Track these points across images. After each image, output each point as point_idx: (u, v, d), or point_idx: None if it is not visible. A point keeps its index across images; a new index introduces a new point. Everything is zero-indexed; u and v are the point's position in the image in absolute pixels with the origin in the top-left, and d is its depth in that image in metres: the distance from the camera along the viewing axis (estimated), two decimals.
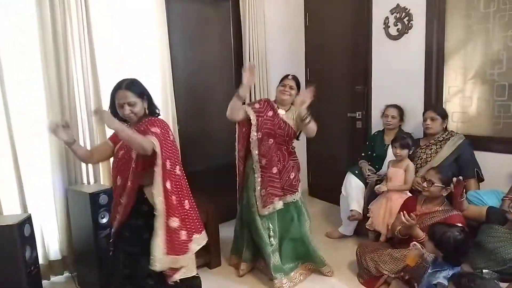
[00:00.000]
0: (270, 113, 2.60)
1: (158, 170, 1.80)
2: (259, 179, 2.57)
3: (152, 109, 2.01)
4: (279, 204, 2.57)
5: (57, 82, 2.58)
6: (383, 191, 2.78)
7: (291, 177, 2.64)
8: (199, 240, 2.02)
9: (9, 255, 2.03)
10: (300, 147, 4.23)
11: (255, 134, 2.56)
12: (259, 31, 3.62)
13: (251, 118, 2.56)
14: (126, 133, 1.75)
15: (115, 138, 2.02)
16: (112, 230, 2.02)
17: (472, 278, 1.67)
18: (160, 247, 1.81)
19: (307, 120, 2.44)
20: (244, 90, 2.41)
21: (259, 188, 2.57)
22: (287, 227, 2.66)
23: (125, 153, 1.94)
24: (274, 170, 2.56)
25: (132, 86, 1.93)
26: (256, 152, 2.57)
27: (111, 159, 2.09)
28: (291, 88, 2.64)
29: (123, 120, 1.94)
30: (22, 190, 2.50)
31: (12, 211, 2.47)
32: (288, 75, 2.70)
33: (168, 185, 1.84)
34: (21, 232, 2.06)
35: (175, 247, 1.86)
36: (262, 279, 2.66)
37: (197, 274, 2.08)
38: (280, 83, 2.69)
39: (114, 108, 1.94)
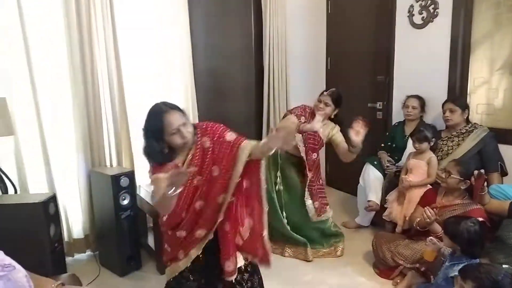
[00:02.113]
0: None
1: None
2: (307, 193, 2.72)
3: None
4: (330, 213, 2.83)
5: (81, 66, 2.65)
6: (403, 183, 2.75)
7: None
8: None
9: (35, 231, 2.12)
10: None
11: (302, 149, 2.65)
12: (280, 18, 3.60)
13: (297, 142, 2.63)
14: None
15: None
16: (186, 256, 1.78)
17: (480, 266, 1.69)
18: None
19: (356, 151, 2.46)
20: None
21: (310, 201, 2.72)
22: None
23: (203, 177, 1.70)
24: (321, 181, 2.78)
25: (174, 105, 1.66)
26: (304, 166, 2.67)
27: None
28: (326, 104, 2.65)
29: (167, 156, 1.65)
30: (50, 171, 2.60)
31: (37, 191, 2.57)
32: (328, 90, 2.71)
33: None
34: (46, 210, 2.14)
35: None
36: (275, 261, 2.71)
37: None
38: (319, 96, 2.72)
39: (158, 141, 1.61)
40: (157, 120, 1.60)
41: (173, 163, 1.66)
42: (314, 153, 2.72)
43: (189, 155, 1.71)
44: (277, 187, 2.75)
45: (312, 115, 2.67)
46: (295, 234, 2.77)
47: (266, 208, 1.78)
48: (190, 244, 1.79)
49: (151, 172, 1.68)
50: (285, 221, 2.76)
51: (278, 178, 2.75)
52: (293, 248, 2.81)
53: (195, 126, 1.74)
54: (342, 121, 2.77)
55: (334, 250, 2.83)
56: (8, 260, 1.24)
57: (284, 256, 2.81)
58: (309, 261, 2.74)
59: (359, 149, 2.43)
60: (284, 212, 2.76)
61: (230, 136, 1.72)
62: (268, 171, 2.74)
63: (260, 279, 2.00)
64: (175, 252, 1.83)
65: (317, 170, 2.80)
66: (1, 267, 1.20)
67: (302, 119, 2.64)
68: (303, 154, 2.68)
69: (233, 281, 1.83)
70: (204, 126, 1.74)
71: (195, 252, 1.79)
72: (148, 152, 1.66)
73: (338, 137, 2.69)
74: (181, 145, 1.65)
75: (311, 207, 2.72)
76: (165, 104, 1.66)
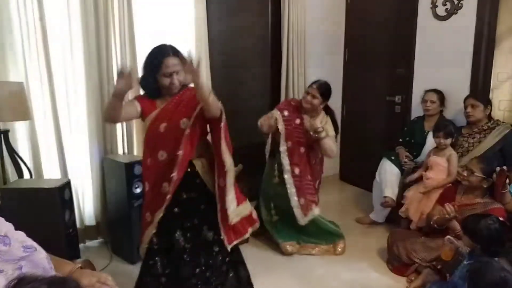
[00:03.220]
0: (298, 121, 2.60)
1: (223, 127, 1.80)
2: (293, 190, 2.59)
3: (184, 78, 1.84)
4: (317, 211, 2.67)
5: (96, 54, 2.63)
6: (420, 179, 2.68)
7: (318, 183, 2.77)
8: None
9: (50, 216, 2.13)
10: None
11: (284, 143, 2.57)
12: (298, 8, 3.53)
13: (279, 127, 2.58)
14: (209, 92, 1.67)
15: (147, 107, 1.83)
16: (153, 218, 1.87)
17: (484, 261, 1.68)
18: (234, 199, 1.87)
19: (320, 135, 2.39)
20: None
21: (295, 198, 2.59)
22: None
23: (171, 125, 1.79)
24: (309, 176, 2.63)
25: (178, 51, 1.79)
26: (287, 162, 2.58)
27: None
28: (313, 97, 2.55)
29: (156, 92, 1.83)
30: (63, 157, 2.60)
31: (51, 176, 2.59)
32: (316, 82, 2.61)
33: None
34: (61, 196, 2.16)
35: (240, 196, 1.94)
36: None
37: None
38: (307, 87, 2.67)
39: (151, 76, 1.78)
40: (157, 59, 1.76)
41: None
42: (302, 147, 2.59)
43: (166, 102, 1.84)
44: (275, 179, 2.71)
45: (296, 108, 2.62)
46: (268, 227, 2.79)
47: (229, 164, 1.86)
48: (158, 201, 1.85)
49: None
50: (273, 211, 2.77)
51: (276, 171, 2.70)
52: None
53: (189, 88, 1.87)
54: (333, 113, 2.71)
55: (333, 247, 2.76)
56: (30, 241, 1.24)
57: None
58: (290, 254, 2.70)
59: (320, 131, 2.40)
60: (272, 203, 2.77)
61: None
62: (270, 164, 2.78)
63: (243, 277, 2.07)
64: (155, 208, 1.87)
65: (307, 164, 2.64)
66: (24, 248, 1.20)
67: (285, 112, 2.60)
68: (282, 141, 2.58)
69: (211, 271, 1.93)
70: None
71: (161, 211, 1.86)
72: (143, 83, 1.85)
73: (327, 130, 2.57)
74: (166, 88, 1.80)
75: (295, 204, 2.59)
76: (171, 47, 1.80)
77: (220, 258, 1.97)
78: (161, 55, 1.75)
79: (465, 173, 2.27)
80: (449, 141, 2.63)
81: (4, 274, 1.18)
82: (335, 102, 4.18)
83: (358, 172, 4.07)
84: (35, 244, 1.28)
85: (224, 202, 1.86)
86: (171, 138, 1.79)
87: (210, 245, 1.95)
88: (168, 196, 1.82)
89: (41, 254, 1.27)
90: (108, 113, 1.78)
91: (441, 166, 2.62)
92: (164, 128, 1.80)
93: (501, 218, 2.00)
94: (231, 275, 2.02)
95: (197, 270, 1.92)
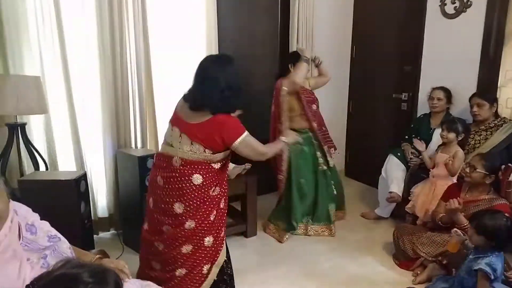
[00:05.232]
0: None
1: None
2: (315, 145, 3.05)
3: None
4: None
5: (111, 50, 2.67)
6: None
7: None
8: None
9: (66, 208, 2.19)
10: (339, 126, 4.19)
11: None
12: (307, 5, 3.55)
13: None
14: None
15: None
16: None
17: None
18: None
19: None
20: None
21: (319, 153, 3.06)
22: None
23: None
24: (324, 128, 3.16)
25: None
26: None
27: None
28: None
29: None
30: (78, 150, 2.66)
31: (65, 169, 2.65)
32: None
33: None
34: (77, 187, 2.21)
35: None
36: (297, 247, 2.75)
37: None
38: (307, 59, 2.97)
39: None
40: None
41: None
42: (313, 105, 3.02)
43: None
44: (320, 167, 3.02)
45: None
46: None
47: None
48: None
49: (239, 124, 1.91)
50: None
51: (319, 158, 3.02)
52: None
53: None
54: None
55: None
56: (54, 231, 1.29)
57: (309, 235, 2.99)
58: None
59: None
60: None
61: None
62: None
63: None
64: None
65: (320, 120, 3.12)
66: (48, 237, 1.25)
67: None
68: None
69: None
70: None
71: None
72: (241, 100, 1.95)
73: (312, 79, 3.18)
74: None
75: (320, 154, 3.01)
76: None
77: None
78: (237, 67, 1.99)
79: (467, 170, 2.30)
80: (452, 135, 2.61)
81: (30, 263, 1.23)
82: (342, 99, 4.22)
83: (363, 168, 4.11)
84: (58, 234, 1.33)
85: None
86: None
87: None
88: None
89: (65, 244, 1.32)
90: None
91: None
92: None
93: (506, 214, 2.04)
94: None
95: None
